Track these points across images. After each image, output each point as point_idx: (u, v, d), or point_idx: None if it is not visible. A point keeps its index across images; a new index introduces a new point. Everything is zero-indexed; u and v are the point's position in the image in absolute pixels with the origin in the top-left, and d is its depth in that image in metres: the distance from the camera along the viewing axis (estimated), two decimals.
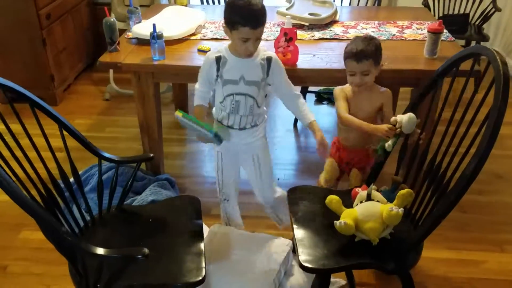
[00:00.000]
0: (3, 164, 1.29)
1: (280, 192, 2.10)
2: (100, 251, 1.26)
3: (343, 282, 1.93)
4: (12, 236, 2.25)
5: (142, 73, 2.27)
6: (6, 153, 1.38)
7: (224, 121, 1.85)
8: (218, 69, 1.75)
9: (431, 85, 1.70)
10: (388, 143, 1.72)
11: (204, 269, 1.41)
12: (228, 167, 1.99)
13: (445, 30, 2.30)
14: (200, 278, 1.38)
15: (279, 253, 1.85)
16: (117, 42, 2.30)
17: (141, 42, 2.39)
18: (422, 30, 2.52)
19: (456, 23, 3.58)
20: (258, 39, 1.66)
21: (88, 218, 1.67)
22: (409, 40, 2.40)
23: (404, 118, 1.68)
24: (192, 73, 2.28)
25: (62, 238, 1.23)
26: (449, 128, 1.54)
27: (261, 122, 1.89)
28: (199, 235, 1.57)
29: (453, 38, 2.42)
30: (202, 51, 2.31)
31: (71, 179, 1.66)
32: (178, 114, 1.66)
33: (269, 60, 1.74)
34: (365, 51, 1.80)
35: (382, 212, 1.49)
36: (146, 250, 1.25)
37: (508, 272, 2.03)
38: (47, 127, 1.56)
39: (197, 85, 1.87)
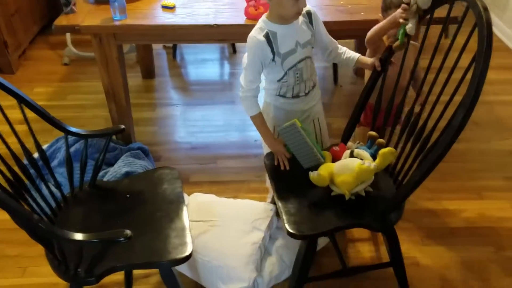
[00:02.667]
0: None
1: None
2: (79, 236, 1.17)
3: (325, 241, 1.92)
4: None
5: (103, 35, 2.11)
6: None
7: (288, 93, 1.71)
8: (272, 48, 1.57)
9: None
10: (409, 26, 1.56)
11: (189, 244, 1.36)
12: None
13: None
14: (187, 254, 1.33)
15: (263, 219, 1.82)
16: (73, 2, 2.11)
17: (99, 1, 2.20)
18: None
19: None
20: None
21: (59, 196, 1.57)
22: None
23: None
24: (158, 33, 2.15)
25: (35, 226, 1.14)
26: (427, 76, 1.49)
27: (316, 81, 1.80)
28: (181, 208, 1.50)
29: None
30: (166, 7, 2.15)
31: (35, 155, 1.54)
32: (298, 123, 1.57)
33: (309, 14, 1.63)
34: None
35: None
36: (128, 232, 1.18)
37: (487, 218, 2.09)
38: (2, 98, 1.42)
39: (244, 77, 1.64)
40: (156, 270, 1.77)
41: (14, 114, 1.45)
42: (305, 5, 1.57)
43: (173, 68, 3.38)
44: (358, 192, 1.51)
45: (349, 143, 1.68)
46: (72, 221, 1.49)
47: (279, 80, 1.67)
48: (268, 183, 2.08)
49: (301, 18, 1.61)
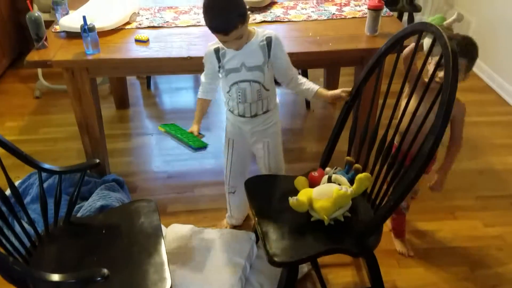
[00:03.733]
0: None
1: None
2: (55, 277, 1.15)
3: (306, 269, 1.94)
4: None
5: (75, 69, 2.11)
6: None
7: (235, 111, 1.79)
8: (219, 60, 1.68)
9: (375, 65, 1.68)
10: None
11: (168, 280, 1.34)
12: (238, 156, 1.95)
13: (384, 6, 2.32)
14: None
15: (243, 248, 1.81)
16: (44, 37, 2.10)
17: (71, 35, 2.20)
18: (360, 6, 2.52)
19: None
20: (238, 38, 1.56)
21: (33, 233, 1.53)
22: (349, 18, 2.39)
23: None
24: (132, 65, 2.16)
25: (10, 269, 1.11)
26: (398, 102, 1.55)
27: (274, 107, 1.83)
28: (159, 242, 1.49)
29: (392, 13, 2.44)
30: (140, 41, 2.17)
31: (7, 192, 1.51)
32: (161, 129, 1.69)
33: (269, 40, 1.64)
34: (467, 50, 1.63)
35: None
36: (105, 271, 1.16)
37: (462, 238, 2.14)
38: None
39: (202, 77, 1.81)
40: None
41: None
42: (238, 46, 1.60)
43: (148, 98, 3.39)
44: (337, 217, 1.53)
45: (327, 169, 1.72)
46: (47, 260, 1.45)
47: (227, 92, 1.76)
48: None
49: (259, 43, 1.64)
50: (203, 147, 1.67)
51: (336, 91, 1.73)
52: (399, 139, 1.62)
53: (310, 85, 1.77)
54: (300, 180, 1.65)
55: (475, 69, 3.58)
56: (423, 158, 1.31)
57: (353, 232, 1.52)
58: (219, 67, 1.69)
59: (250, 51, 1.64)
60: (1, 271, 1.15)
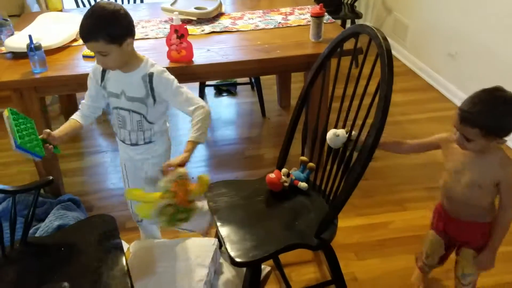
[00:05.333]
0: None
1: None
2: None
3: (268, 268, 1.99)
4: None
5: (24, 89, 2.08)
6: None
7: (118, 135, 1.76)
8: (102, 77, 1.65)
9: (320, 67, 1.77)
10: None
11: None
12: (133, 181, 1.88)
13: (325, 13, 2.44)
14: None
15: (206, 254, 1.83)
16: None
17: (17, 56, 2.17)
18: (304, 15, 2.64)
19: (331, 4, 3.80)
20: (101, 54, 1.49)
21: None
22: (294, 26, 2.50)
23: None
24: (80, 82, 2.14)
25: None
26: (343, 104, 1.64)
27: (159, 139, 1.75)
28: (119, 255, 1.49)
29: (333, 20, 2.57)
30: (88, 57, 2.17)
31: None
32: (5, 113, 1.54)
33: (150, 76, 1.58)
34: (472, 116, 1.37)
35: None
36: (66, 284, 1.16)
37: (413, 227, 2.26)
38: None
39: (83, 100, 1.75)
40: None
41: None
42: (103, 65, 1.55)
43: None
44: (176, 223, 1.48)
45: (284, 169, 1.78)
46: (5, 281, 1.41)
47: (110, 114, 1.76)
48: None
49: (141, 76, 1.58)
50: (31, 152, 1.47)
51: (176, 160, 1.53)
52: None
53: (193, 129, 1.58)
54: (131, 192, 1.60)
55: (415, 68, 3.81)
56: (367, 149, 1.40)
57: (310, 228, 1.58)
58: (102, 84, 1.66)
59: (131, 81, 1.59)
60: None
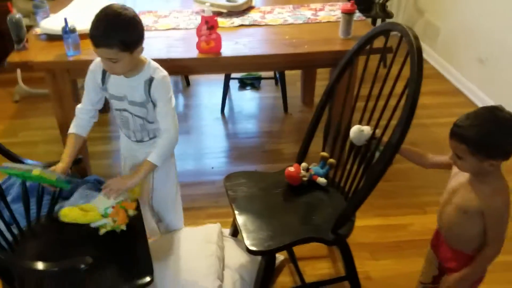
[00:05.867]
0: None
1: (177, 205, 2.00)
2: (40, 266, 1.18)
3: (281, 257, 2.01)
4: None
5: (57, 71, 2.14)
6: None
7: (122, 130, 1.77)
8: (103, 78, 1.59)
9: (347, 64, 1.77)
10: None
11: (151, 270, 1.39)
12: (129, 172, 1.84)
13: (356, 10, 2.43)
14: (149, 279, 1.36)
15: (211, 234, 1.90)
16: (25, 39, 2.13)
17: (51, 37, 2.24)
18: (334, 11, 2.62)
19: (362, 3, 3.77)
20: (110, 60, 1.45)
21: (15, 231, 1.55)
22: (323, 22, 2.50)
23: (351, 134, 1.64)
24: None
25: None
26: (368, 103, 1.64)
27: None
28: (141, 235, 1.54)
29: (364, 18, 2.56)
30: None
31: None
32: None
33: (151, 81, 1.55)
34: (460, 130, 1.28)
35: None
36: (89, 259, 1.20)
37: (431, 231, 2.20)
38: None
39: (79, 104, 1.68)
40: None
41: None
42: (111, 71, 1.52)
43: None
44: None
45: (303, 164, 1.80)
46: (30, 254, 1.48)
47: (113, 113, 1.75)
48: None
49: (143, 80, 1.55)
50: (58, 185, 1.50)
51: (124, 180, 1.60)
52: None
53: (155, 150, 1.60)
54: (66, 214, 1.60)
55: (444, 72, 3.75)
56: (392, 148, 1.40)
57: (327, 222, 1.60)
58: (103, 86, 1.61)
59: (133, 85, 1.56)
60: None
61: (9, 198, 2.17)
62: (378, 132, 1.60)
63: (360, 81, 1.69)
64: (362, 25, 2.44)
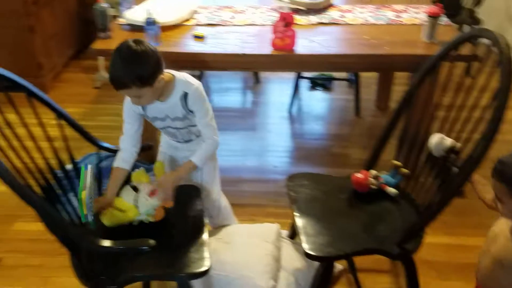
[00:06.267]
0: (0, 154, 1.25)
1: (223, 203, 1.98)
2: (106, 243, 1.23)
3: (340, 267, 1.94)
4: (5, 228, 2.20)
5: None
6: (2, 144, 1.34)
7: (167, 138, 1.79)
8: (142, 107, 1.60)
9: (430, 69, 1.67)
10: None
11: (207, 259, 1.40)
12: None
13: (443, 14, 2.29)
14: (205, 268, 1.36)
15: (269, 234, 1.87)
16: (109, 28, 2.24)
17: (134, 28, 2.33)
18: (419, 14, 2.50)
19: (449, 7, 3.55)
20: (136, 97, 1.47)
21: None
22: (406, 24, 2.38)
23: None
24: (188, 59, 2.26)
25: (66, 231, 1.20)
26: (450, 113, 1.53)
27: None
28: (201, 224, 1.55)
29: (450, 22, 2.41)
30: (197, 37, 2.26)
31: (68, 166, 1.62)
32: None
33: (185, 96, 1.56)
34: (501, 167, 1.12)
35: None
36: (151, 241, 1.23)
37: None
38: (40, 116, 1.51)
39: (121, 136, 1.69)
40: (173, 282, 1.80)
41: (41, 131, 1.52)
42: (139, 104, 1.52)
43: None
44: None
45: (372, 171, 1.72)
46: (98, 231, 1.54)
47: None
48: None
49: (178, 96, 1.56)
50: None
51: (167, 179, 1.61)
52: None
53: (197, 153, 1.64)
54: (157, 166, 1.64)
55: None
56: (472, 164, 1.29)
57: (393, 235, 1.51)
58: (143, 113, 1.63)
59: (170, 105, 1.57)
60: (56, 232, 1.24)
61: None
62: (459, 145, 1.49)
63: (442, 89, 1.59)
64: (448, 30, 2.30)
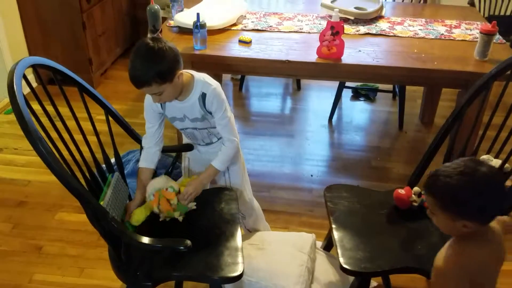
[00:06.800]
0: (51, 145, 1.29)
1: (255, 204, 1.97)
2: (146, 240, 1.25)
3: (375, 283, 1.89)
4: (48, 217, 2.28)
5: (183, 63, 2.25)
6: (53, 135, 1.39)
7: (185, 137, 1.79)
8: (161, 104, 1.61)
9: (482, 87, 1.62)
10: None
11: (241, 264, 1.40)
12: (196, 172, 1.85)
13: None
14: (239, 273, 1.36)
15: (304, 244, 1.85)
16: (159, 30, 2.29)
17: (182, 30, 2.38)
18: (471, 30, 2.42)
19: (502, 25, 3.43)
20: (157, 94, 1.48)
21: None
22: (458, 40, 2.31)
23: None
24: (231, 63, 2.28)
25: (108, 225, 1.23)
26: (500, 133, 1.47)
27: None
28: (236, 229, 1.55)
29: (504, 41, 2.32)
30: (243, 42, 2.28)
31: (112, 159, 1.66)
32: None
33: (203, 96, 1.56)
34: (431, 180, 1.13)
35: None
36: (188, 242, 1.24)
37: None
38: (80, 110, 1.55)
39: (144, 135, 1.69)
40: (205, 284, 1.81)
41: (91, 126, 1.59)
42: (160, 101, 1.53)
43: (238, 99, 3.52)
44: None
45: (416, 188, 1.67)
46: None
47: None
48: None
49: (195, 98, 1.56)
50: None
51: (194, 183, 1.62)
52: None
53: (218, 157, 1.65)
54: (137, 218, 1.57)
55: None
56: None
57: (432, 254, 1.45)
58: (163, 113, 1.64)
59: (189, 105, 1.58)
60: (98, 225, 1.27)
61: (125, 172, 2.38)
62: (508, 166, 1.43)
63: (494, 108, 1.53)
64: (501, 48, 2.22)
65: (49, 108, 1.44)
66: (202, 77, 1.59)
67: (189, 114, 1.61)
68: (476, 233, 1.12)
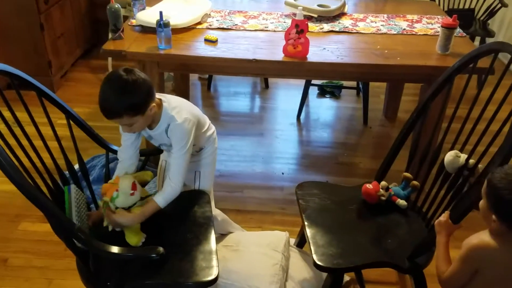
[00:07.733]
0: (9, 153, 1.23)
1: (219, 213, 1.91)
2: (115, 250, 1.21)
3: (348, 278, 1.91)
4: (11, 228, 2.19)
5: (147, 62, 2.21)
6: (12, 141, 1.33)
7: None
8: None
9: (446, 81, 1.65)
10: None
11: (216, 268, 1.37)
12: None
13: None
14: (213, 277, 1.34)
15: (278, 241, 1.85)
16: (121, 29, 2.23)
17: (145, 30, 2.32)
18: (432, 24, 2.48)
19: (461, 18, 3.54)
20: (128, 125, 1.47)
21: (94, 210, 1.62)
22: (420, 34, 2.36)
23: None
24: (199, 63, 2.25)
25: (74, 236, 1.18)
26: (465, 126, 1.51)
27: (209, 144, 1.78)
28: (210, 232, 1.53)
29: (465, 34, 2.38)
30: (209, 41, 2.25)
31: (76, 166, 1.61)
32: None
33: (167, 128, 1.54)
34: (492, 171, 1.19)
35: None
36: (161, 249, 1.21)
37: None
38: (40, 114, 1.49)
39: (119, 150, 1.68)
40: None
41: (48, 131, 1.52)
42: (129, 131, 1.52)
43: (207, 99, 3.48)
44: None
45: (383, 182, 1.70)
46: (105, 234, 1.52)
47: None
48: None
49: (163, 128, 1.54)
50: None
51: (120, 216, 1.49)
52: None
53: (160, 190, 1.57)
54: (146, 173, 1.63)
55: None
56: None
57: (403, 249, 1.48)
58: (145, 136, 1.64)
59: (158, 133, 1.57)
60: (64, 236, 1.22)
61: (90, 179, 2.30)
62: (473, 162, 1.47)
63: (458, 101, 1.57)
64: (462, 41, 2.28)
65: (7, 114, 1.37)
66: (175, 110, 1.53)
67: (160, 140, 1.61)
68: (509, 236, 1.18)
